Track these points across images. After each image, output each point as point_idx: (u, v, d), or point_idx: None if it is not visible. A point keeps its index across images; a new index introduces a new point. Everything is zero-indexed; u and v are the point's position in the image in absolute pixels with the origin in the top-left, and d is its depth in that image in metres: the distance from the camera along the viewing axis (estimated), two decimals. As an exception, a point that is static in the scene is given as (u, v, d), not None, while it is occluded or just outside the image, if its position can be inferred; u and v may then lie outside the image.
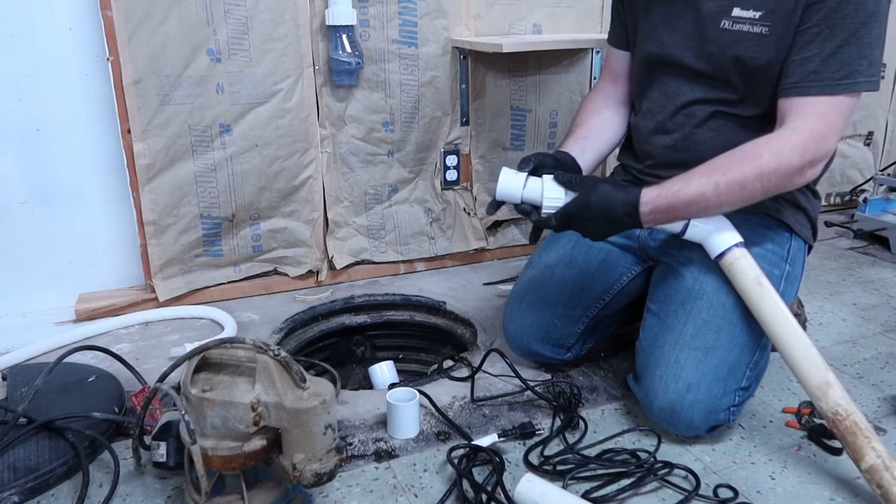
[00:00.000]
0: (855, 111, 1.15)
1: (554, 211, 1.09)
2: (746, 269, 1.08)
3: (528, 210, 1.12)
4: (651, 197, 1.05)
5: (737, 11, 1.09)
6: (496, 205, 1.15)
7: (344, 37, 1.61)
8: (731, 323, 1.11)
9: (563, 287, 1.31)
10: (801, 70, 1.04)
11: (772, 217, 1.21)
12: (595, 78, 1.94)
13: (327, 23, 1.59)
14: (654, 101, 1.24)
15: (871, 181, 2.36)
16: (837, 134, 1.05)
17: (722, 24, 1.11)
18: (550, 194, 1.10)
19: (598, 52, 1.91)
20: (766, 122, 1.13)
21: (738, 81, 1.13)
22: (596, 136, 1.30)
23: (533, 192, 1.11)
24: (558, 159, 1.19)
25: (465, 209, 1.93)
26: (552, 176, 1.10)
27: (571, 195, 1.09)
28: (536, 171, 1.13)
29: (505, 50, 1.60)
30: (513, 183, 1.11)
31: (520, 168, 1.13)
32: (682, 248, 1.22)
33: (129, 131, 1.52)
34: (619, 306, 1.35)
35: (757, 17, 1.07)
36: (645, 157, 1.29)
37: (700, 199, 1.04)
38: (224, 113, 1.59)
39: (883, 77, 2.30)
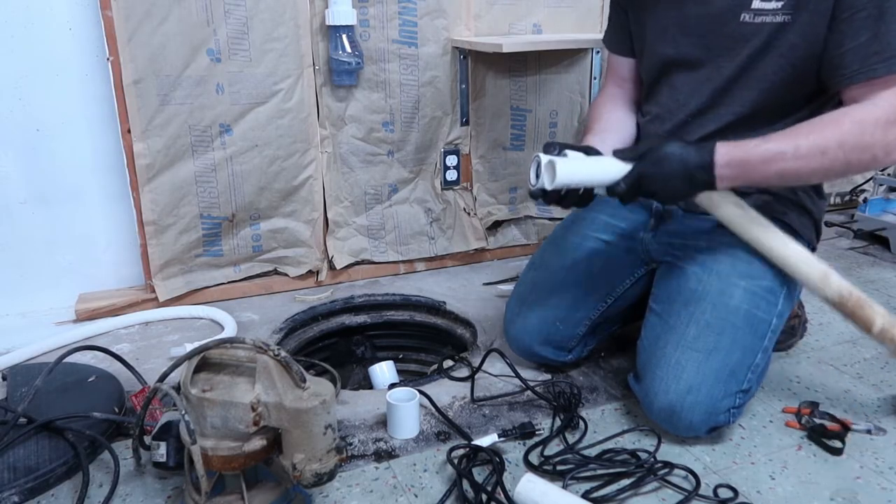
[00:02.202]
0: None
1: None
2: (727, 193, 1.09)
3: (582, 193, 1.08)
4: (726, 149, 1.03)
5: (757, 3, 1.07)
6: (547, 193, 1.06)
7: (344, 37, 1.61)
8: (733, 325, 1.11)
9: (565, 289, 1.31)
10: (860, 55, 1.02)
11: (777, 219, 1.21)
12: (595, 78, 1.94)
13: (327, 23, 1.59)
14: (665, 108, 1.23)
15: (871, 181, 2.36)
16: None
17: (742, 17, 1.09)
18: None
19: (597, 52, 1.91)
20: (775, 119, 1.12)
21: (755, 74, 1.11)
22: (615, 129, 1.28)
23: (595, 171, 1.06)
24: (584, 150, 1.10)
25: (465, 209, 1.93)
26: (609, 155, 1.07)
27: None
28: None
29: (505, 50, 1.60)
30: (576, 166, 1.04)
31: (546, 152, 1.06)
32: (685, 248, 1.22)
33: (129, 131, 1.52)
34: (621, 308, 1.35)
35: (780, 6, 1.06)
36: None
37: (778, 158, 1.01)
38: (224, 113, 1.59)
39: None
